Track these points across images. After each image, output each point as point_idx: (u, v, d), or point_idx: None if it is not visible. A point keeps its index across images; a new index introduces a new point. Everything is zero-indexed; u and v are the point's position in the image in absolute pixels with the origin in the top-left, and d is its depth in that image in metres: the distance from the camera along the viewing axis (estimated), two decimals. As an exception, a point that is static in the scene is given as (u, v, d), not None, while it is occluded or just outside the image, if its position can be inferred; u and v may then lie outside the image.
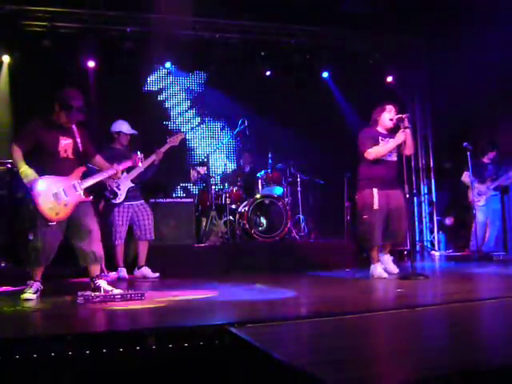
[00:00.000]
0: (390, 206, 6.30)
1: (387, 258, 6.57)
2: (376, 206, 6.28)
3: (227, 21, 10.54)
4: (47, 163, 5.12)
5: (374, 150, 6.34)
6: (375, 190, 6.30)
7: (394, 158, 6.39)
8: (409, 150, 6.46)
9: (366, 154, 6.38)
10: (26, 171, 5.01)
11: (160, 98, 11.06)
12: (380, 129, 6.52)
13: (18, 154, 5.09)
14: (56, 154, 5.18)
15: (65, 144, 5.22)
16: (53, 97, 5.27)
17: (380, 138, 6.43)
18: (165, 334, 3.29)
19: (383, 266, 6.42)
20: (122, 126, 7.38)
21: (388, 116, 6.45)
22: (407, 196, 6.29)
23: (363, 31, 10.96)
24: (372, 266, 6.41)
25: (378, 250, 6.46)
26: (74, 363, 3.11)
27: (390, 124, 6.43)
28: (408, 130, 6.31)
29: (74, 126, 5.33)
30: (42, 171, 5.05)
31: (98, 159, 5.59)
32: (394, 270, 6.50)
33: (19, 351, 3.06)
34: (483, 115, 10.83)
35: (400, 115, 6.32)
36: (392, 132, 6.42)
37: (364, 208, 6.42)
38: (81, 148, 5.31)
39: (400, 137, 6.24)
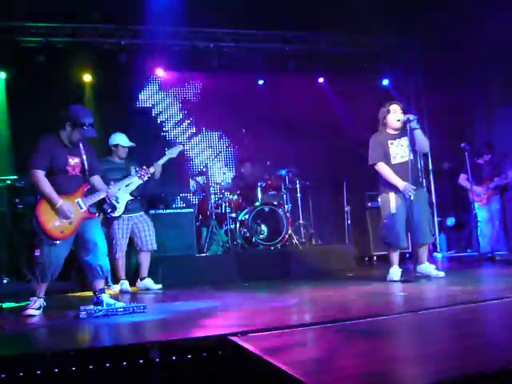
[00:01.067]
0: (410, 207, 6.17)
1: (427, 266, 6.41)
2: (393, 210, 6.25)
3: (222, 30, 10.57)
4: (55, 181, 5.06)
5: (381, 169, 6.35)
6: (392, 194, 6.28)
7: (409, 157, 6.30)
8: (421, 149, 6.44)
9: (375, 167, 6.41)
10: (63, 206, 4.99)
11: (156, 109, 11.07)
12: (389, 130, 6.47)
13: (44, 181, 5.00)
14: (65, 172, 5.15)
15: (74, 163, 5.20)
16: (61, 116, 5.20)
17: (389, 142, 6.39)
18: (168, 346, 3.29)
19: (401, 270, 6.36)
20: (120, 139, 7.36)
21: (394, 117, 6.39)
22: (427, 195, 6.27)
23: (357, 34, 11.00)
24: (390, 270, 6.38)
25: (397, 254, 6.40)
26: (78, 379, 3.10)
27: (397, 124, 6.37)
28: (417, 131, 6.27)
29: (80, 144, 5.29)
30: None
31: (97, 178, 5.48)
32: (439, 273, 6.33)
33: (23, 368, 3.06)
34: (480, 115, 10.86)
35: (407, 116, 6.25)
36: (402, 130, 6.38)
37: (383, 212, 6.41)
38: (87, 166, 5.29)
39: (403, 186, 6.19)
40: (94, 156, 5.47)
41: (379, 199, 6.56)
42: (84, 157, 5.26)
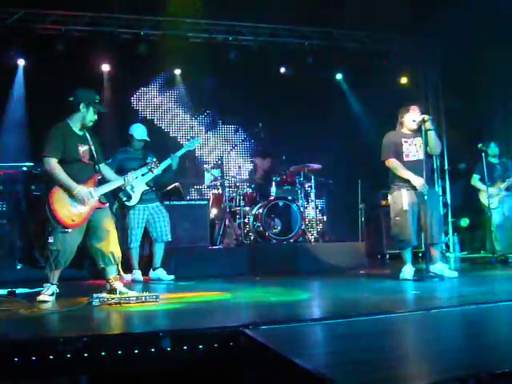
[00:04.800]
0: (421, 205, 6.21)
1: (440, 266, 6.35)
2: (405, 206, 6.24)
3: (240, 23, 10.57)
4: (69, 170, 5.08)
5: (392, 164, 6.35)
6: (404, 191, 6.28)
7: (421, 156, 6.28)
8: (433, 150, 6.41)
9: (386, 163, 6.41)
10: (81, 191, 5.02)
11: (174, 101, 11.08)
12: (404, 130, 6.49)
13: (58, 168, 5.01)
14: (77, 160, 5.17)
15: (83, 151, 5.23)
16: (72, 100, 5.23)
17: (403, 140, 6.40)
18: (180, 336, 3.30)
19: (414, 269, 6.33)
20: (136, 131, 7.32)
21: (411, 117, 6.40)
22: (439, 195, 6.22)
23: (376, 32, 10.97)
24: (403, 268, 6.36)
25: (410, 252, 6.39)
26: (90, 365, 3.13)
27: (413, 125, 6.38)
28: (431, 132, 6.27)
29: (87, 133, 5.33)
30: None
31: (103, 167, 5.48)
32: (453, 274, 6.29)
33: (36, 353, 3.09)
34: (497, 115, 10.78)
35: (422, 116, 6.26)
36: (417, 131, 6.37)
37: (395, 209, 6.41)
38: (95, 154, 5.32)
39: (417, 181, 6.18)
40: (99, 144, 5.48)
41: (390, 197, 6.57)
42: (91, 145, 5.30)
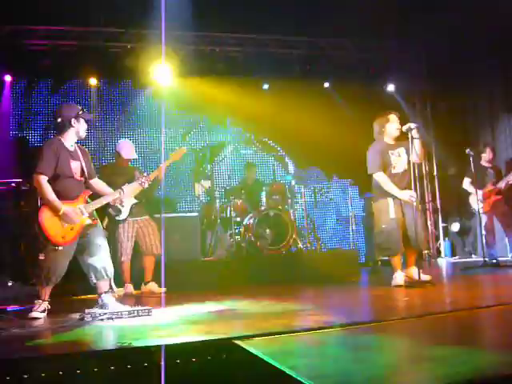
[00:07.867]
0: (406, 213, 6.25)
1: (413, 270, 6.35)
2: (392, 214, 6.26)
3: (228, 34, 10.59)
4: (61, 186, 5.09)
5: (381, 178, 6.35)
6: (389, 199, 6.30)
7: (406, 166, 6.32)
8: (418, 159, 6.41)
9: (374, 176, 6.42)
10: (66, 212, 4.97)
11: (162, 112, 11.06)
12: (388, 140, 6.49)
13: (47, 187, 5.00)
14: (70, 177, 5.18)
15: (74, 167, 5.23)
16: (61, 118, 5.25)
17: (390, 152, 6.41)
18: (172, 349, 3.28)
19: (405, 275, 6.34)
20: (123, 149, 7.33)
21: (394, 126, 6.41)
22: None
23: (363, 40, 11.02)
24: (394, 275, 6.37)
25: (400, 259, 6.40)
26: (83, 381, 3.11)
27: (396, 133, 6.40)
28: (417, 140, 6.29)
29: (78, 148, 5.34)
30: (56, 195, 5.04)
31: (96, 182, 5.53)
32: (426, 277, 6.23)
33: (28, 370, 3.06)
34: (484, 121, 10.85)
35: (409, 125, 6.25)
36: (400, 141, 6.37)
37: (381, 218, 6.41)
38: (85, 170, 5.31)
39: (404, 195, 6.21)
40: (89, 159, 5.49)
41: (374, 204, 6.57)
42: (82, 161, 5.31)
